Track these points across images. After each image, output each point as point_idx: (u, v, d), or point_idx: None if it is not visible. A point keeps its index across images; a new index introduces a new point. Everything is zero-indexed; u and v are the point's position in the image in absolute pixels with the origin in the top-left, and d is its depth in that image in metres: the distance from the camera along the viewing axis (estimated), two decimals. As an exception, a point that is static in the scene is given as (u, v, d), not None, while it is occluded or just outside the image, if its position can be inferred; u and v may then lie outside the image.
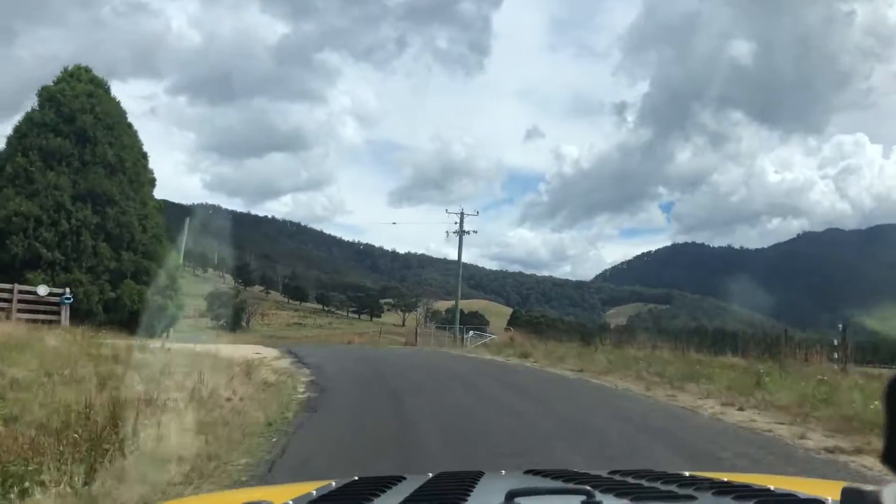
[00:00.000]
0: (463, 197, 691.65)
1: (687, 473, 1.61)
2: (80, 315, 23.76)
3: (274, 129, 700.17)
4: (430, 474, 1.62)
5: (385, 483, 1.46)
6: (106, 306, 24.70)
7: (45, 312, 23.07)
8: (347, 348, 25.93)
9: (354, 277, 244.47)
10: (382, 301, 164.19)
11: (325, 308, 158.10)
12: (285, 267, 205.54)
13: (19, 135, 25.94)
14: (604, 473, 1.68)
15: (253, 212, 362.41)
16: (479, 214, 41.95)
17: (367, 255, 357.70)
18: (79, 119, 25.97)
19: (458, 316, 40.34)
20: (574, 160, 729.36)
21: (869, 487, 0.91)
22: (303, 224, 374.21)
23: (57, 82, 27.50)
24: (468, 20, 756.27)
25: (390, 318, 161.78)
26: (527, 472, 1.74)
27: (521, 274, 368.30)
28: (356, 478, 1.59)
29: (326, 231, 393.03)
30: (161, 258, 26.80)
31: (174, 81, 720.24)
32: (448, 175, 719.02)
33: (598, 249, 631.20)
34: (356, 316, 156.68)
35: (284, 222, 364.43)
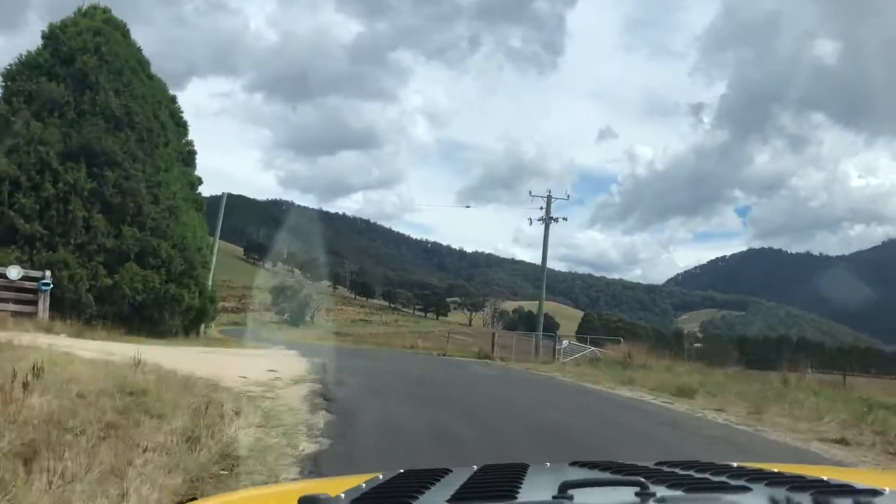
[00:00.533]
0: (532, 197, 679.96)
1: (735, 464, 1.57)
2: (64, 305, 18.04)
3: (347, 127, 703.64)
4: (475, 467, 1.56)
5: (432, 475, 1.44)
6: (100, 295, 18.84)
7: (17, 301, 17.49)
8: (408, 362, 19.38)
9: (421, 275, 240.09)
10: (449, 300, 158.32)
11: (392, 305, 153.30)
12: (354, 263, 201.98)
13: (8, 78, 20.42)
14: (651, 465, 1.61)
15: (325, 208, 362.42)
16: (569, 198, 34.05)
17: (434, 254, 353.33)
18: (78, 60, 20.27)
19: (541, 320, 33.26)
20: (648, 161, 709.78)
21: None
22: (372, 221, 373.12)
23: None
24: (542, 19, 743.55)
25: (457, 317, 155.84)
26: (572, 463, 1.71)
27: (590, 276, 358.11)
28: (402, 471, 1.57)
29: (395, 229, 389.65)
30: (178, 237, 20.87)
31: (251, 79, 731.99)
32: (518, 175, 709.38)
33: (670, 253, 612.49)
34: (422, 314, 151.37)
35: (355, 219, 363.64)
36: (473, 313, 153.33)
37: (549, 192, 33.13)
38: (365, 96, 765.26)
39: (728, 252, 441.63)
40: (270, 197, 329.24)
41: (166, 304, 20.27)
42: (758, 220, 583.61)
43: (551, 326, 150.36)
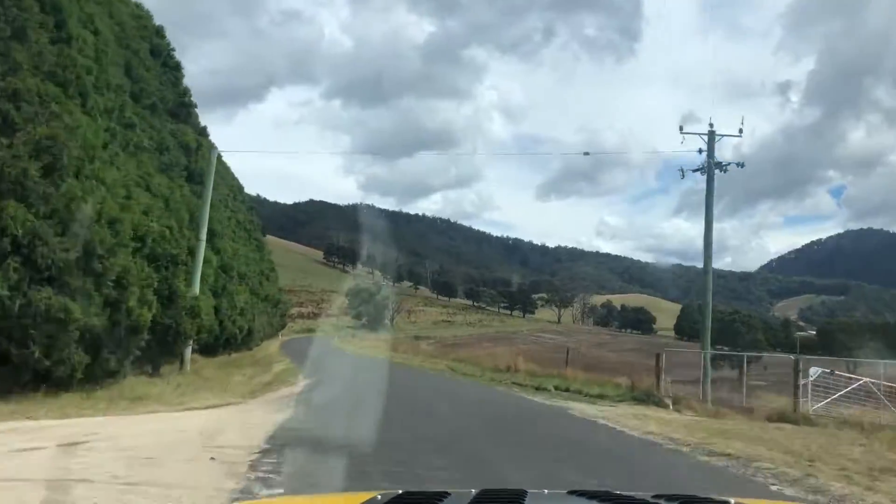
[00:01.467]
0: (613, 188, 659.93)
1: (733, 501, 1.54)
2: None
3: (423, 128, 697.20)
4: (474, 491, 1.52)
5: (431, 498, 1.42)
6: None
7: None
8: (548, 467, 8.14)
9: (504, 272, 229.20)
10: (535, 296, 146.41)
11: (475, 304, 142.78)
12: (434, 263, 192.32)
13: None
14: (649, 497, 1.58)
15: (405, 210, 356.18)
16: (741, 134, 20.70)
17: (516, 250, 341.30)
18: None
19: (708, 323, 20.95)
20: (734, 145, 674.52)
21: None
22: (452, 220, 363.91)
23: None
24: (617, 5, 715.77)
25: (544, 314, 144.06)
26: (571, 492, 1.65)
27: (679, 266, 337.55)
28: (400, 492, 1.53)
29: (475, 227, 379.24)
30: (61, 201, 10.53)
31: (328, 86, 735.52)
32: (598, 166, 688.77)
33: (760, 239, 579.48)
34: (507, 312, 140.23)
35: (434, 219, 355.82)
36: (562, 309, 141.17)
37: (712, 125, 20.74)
38: (440, 96, 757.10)
39: (822, 235, 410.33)
40: (351, 202, 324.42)
41: (35, 328, 9.86)
42: (854, 200, 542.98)
43: (647, 320, 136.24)
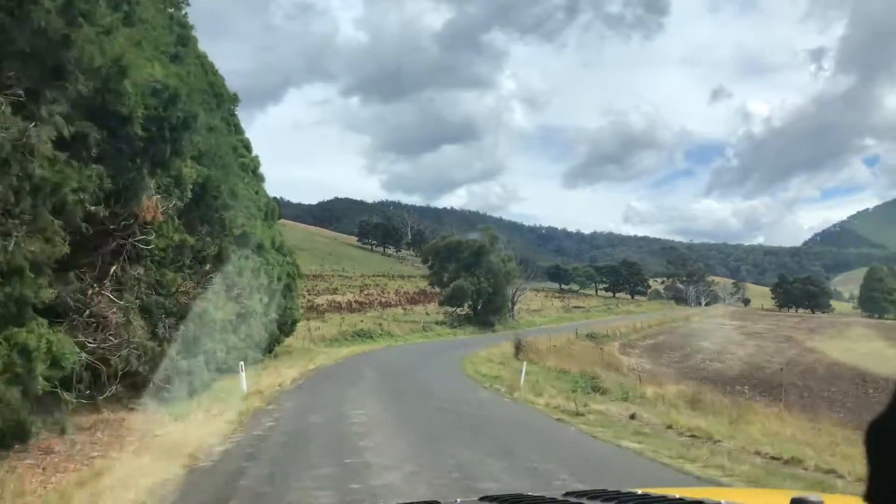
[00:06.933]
0: (642, 171, 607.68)
1: (640, 491, 1.43)
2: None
3: (445, 121, 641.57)
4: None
5: None
6: None
7: None
8: None
9: (542, 261, 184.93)
10: (650, 278, 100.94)
11: (563, 287, 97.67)
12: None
13: None
14: (559, 496, 1.48)
15: (432, 205, 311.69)
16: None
17: (550, 239, 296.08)
18: None
19: None
20: (764, 119, 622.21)
21: (815, 497, 0.92)
22: (481, 213, 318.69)
23: None
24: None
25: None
26: (482, 498, 1.54)
27: (725, 245, 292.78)
28: None
29: (505, 218, 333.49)
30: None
31: (346, 83, 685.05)
32: (626, 149, 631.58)
33: (794, 214, 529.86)
34: (609, 294, 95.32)
35: (463, 212, 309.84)
36: (688, 287, 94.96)
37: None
38: (460, 86, 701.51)
39: (858, 207, 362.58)
40: (377, 199, 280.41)
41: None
42: (894, 168, 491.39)
43: (821, 295, 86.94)
